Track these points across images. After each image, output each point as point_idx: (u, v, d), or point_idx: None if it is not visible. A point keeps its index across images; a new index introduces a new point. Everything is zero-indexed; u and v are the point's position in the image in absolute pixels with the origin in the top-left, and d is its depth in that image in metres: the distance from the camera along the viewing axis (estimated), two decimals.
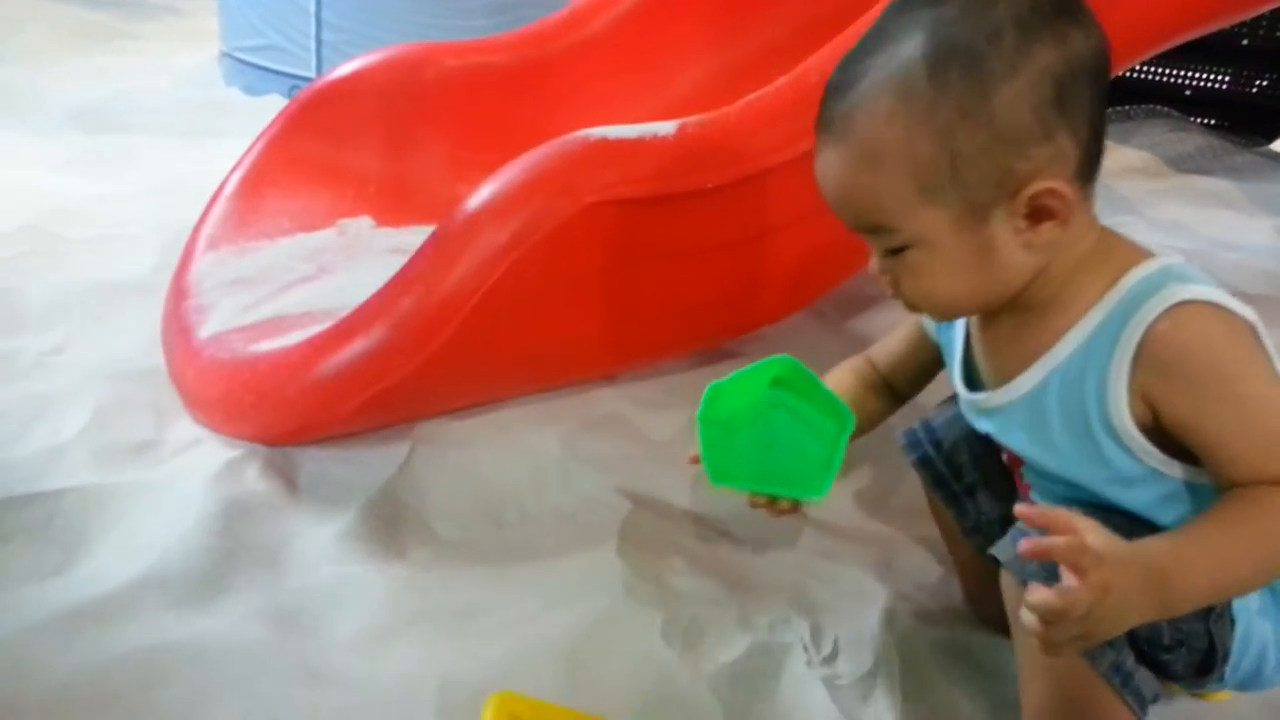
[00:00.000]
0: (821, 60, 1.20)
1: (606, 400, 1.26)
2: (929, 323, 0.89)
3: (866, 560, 1.06)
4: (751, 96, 1.18)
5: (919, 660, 0.92)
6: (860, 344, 1.50)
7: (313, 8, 2.14)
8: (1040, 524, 0.64)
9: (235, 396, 1.07)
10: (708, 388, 0.89)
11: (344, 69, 1.52)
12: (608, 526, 1.06)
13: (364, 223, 1.46)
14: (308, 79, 2.15)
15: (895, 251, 0.73)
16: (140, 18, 3.14)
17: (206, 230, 1.36)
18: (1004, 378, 0.77)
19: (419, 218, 1.49)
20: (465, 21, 2.10)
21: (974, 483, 0.90)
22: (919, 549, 1.08)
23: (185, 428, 1.14)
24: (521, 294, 1.06)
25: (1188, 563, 0.65)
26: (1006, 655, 0.91)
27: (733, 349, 1.40)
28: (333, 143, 1.49)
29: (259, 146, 1.46)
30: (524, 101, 1.57)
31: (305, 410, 1.04)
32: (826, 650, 0.93)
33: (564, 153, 1.07)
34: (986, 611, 0.96)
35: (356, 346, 1.01)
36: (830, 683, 0.89)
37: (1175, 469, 0.71)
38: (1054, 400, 0.74)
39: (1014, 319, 0.75)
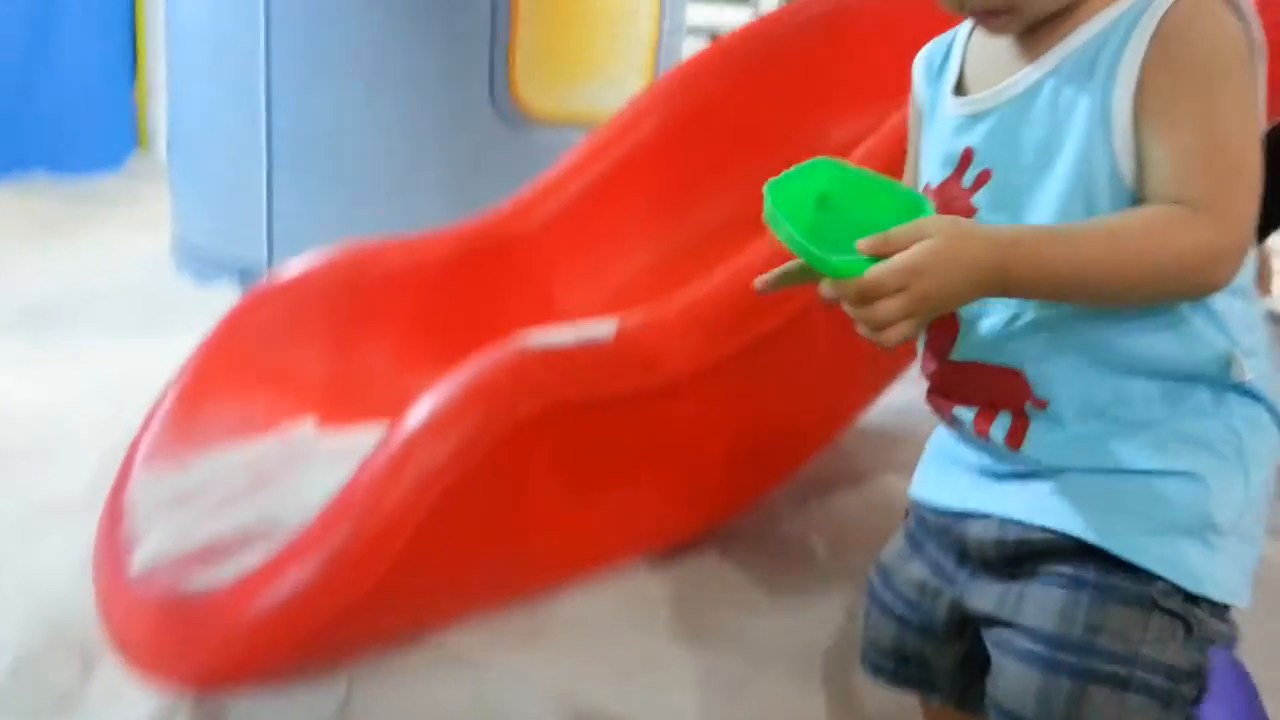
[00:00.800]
0: (755, 257, 1.20)
1: (558, 614, 1.21)
2: (918, 98, 0.83)
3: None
4: (689, 292, 1.18)
5: None
6: (825, 531, 1.49)
7: (264, 194, 2.16)
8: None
9: (163, 639, 1.01)
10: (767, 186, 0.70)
11: (286, 270, 1.52)
12: None
13: (307, 425, 1.43)
14: (260, 265, 2.16)
15: None
16: (94, 205, 3.17)
17: (144, 446, 1.32)
18: (998, 82, 0.73)
19: (366, 414, 1.46)
20: (417, 203, 2.13)
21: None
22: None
23: (110, 674, 1.07)
24: (462, 515, 1.02)
25: (1042, 239, 0.65)
26: None
27: (691, 547, 1.36)
28: (275, 345, 1.46)
29: (199, 355, 1.43)
30: (470, 293, 1.56)
31: (236, 654, 0.98)
32: None
33: (499, 365, 1.05)
34: None
35: (288, 584, 0.96)
36: None
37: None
38: (1046, 100, 0.70)
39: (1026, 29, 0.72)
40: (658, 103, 1.71)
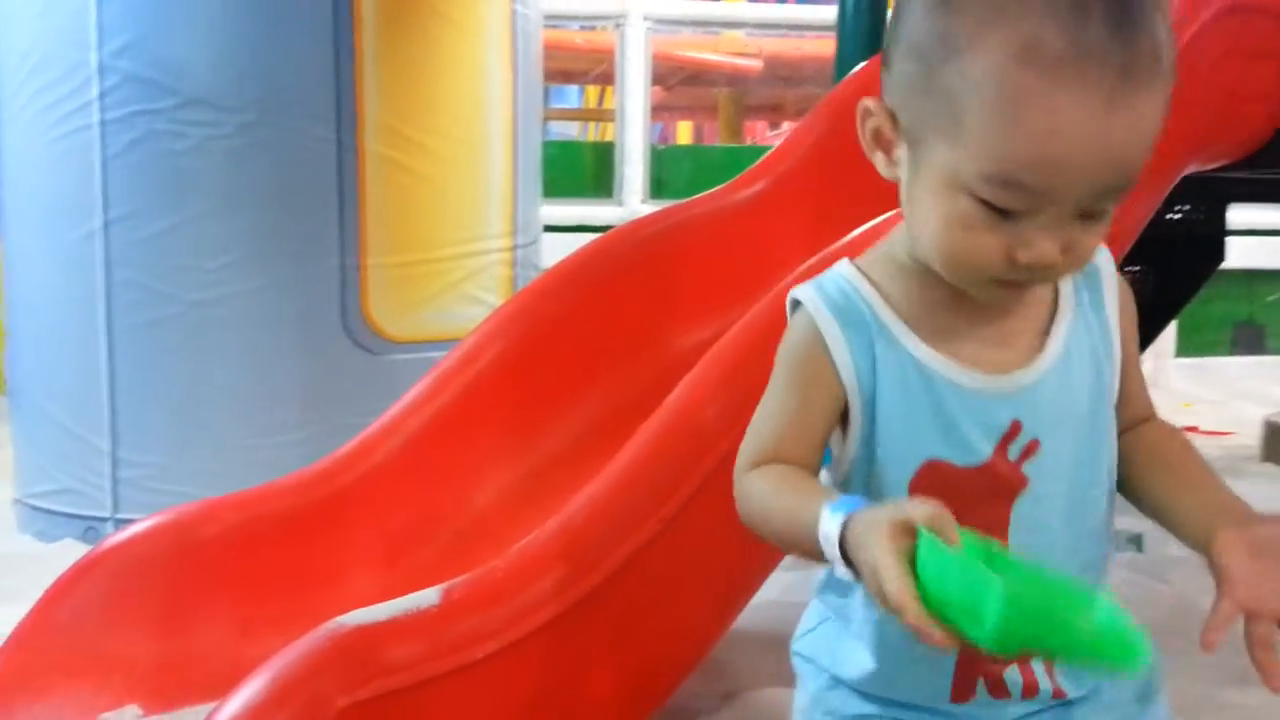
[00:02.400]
0: (590, 497, 1.18)
1: None
2: (850, 370, 0.76)
3: None
4: (520, 544, 1.14)
5: None
6: None
7: (108, 446, 2.07)
8: None
9: None
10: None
11: (109, 541, 1.44)
12: None
13: (129, 715, 1.32)
14: (104, 520, 2.05)
15: (1092, 216, 0.69)
16: None
17: None
18: (1012, 352, 0.76)
19: (198, 696, 1.35)
20: (275, 438, 2.07)
21: None
22: None
23: None
24: None
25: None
26: None
27: None
28: (96, 625, 1.37)
29: (10, 645, 1.33)
30: (313, 547, 1.50)
31: None
32: None
33: (312, 652, 0.99)
34: None
35: None
36: None
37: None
38: (1075, 359, 0.77)
39: (961, 300, 0.74)
40: (502, 328, 1.72)
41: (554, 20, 4.52)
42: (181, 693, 1.36)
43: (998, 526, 0.75)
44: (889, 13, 2.48)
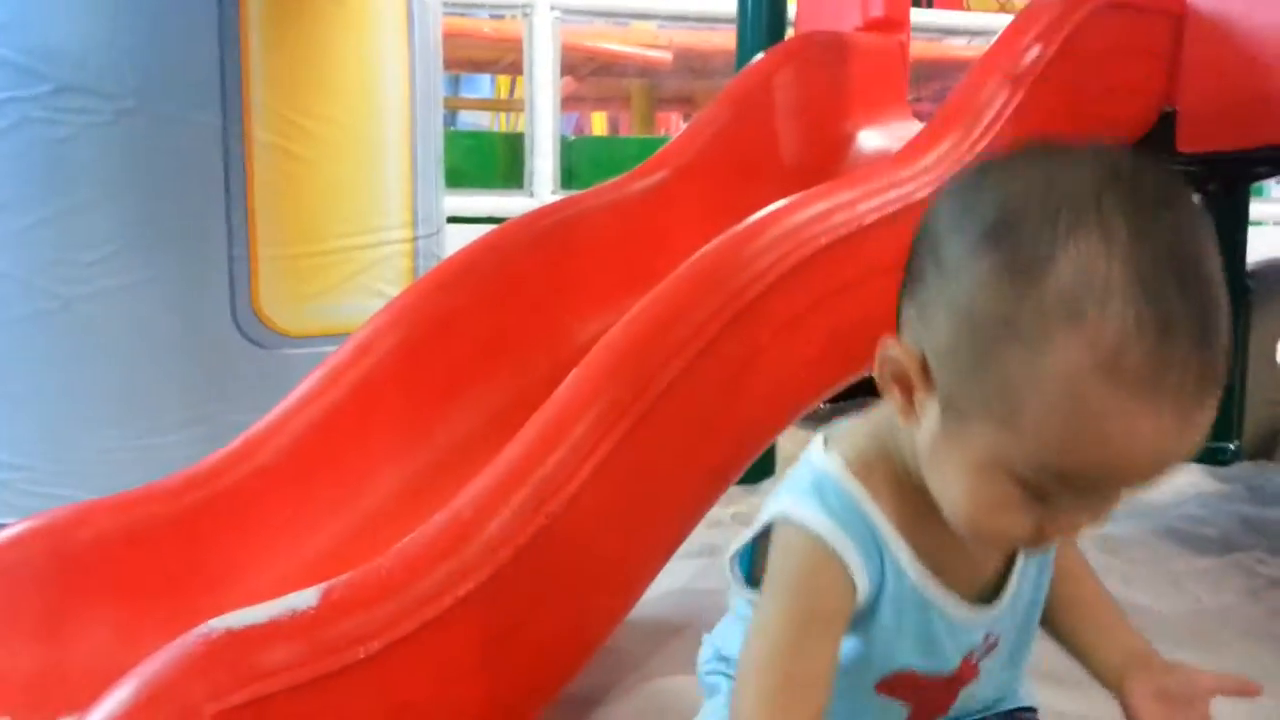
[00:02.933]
0: (476, 490, 1.17)
1: None
2: (862, 587, 0.76)
3: None
4: (404, 542, 1.12)
5: None
6: None
7: None
8: None
9: None
10: None
11: None
12: None
13: None
14: None
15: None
16: None
17: None
18: (982, 577, 0.79)
19: (79, 705, 1.29)
20: (159, 439, 2.00)
21: None
22: None
23: None
24: None
25: None
26: None
27: None
28: None
29: None
30: (198, 549, 1.45)
31: None
32: None
33: (177, 659, 0.95)
34: None
35: None
36: None
37: None
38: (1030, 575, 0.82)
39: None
40: (395, 321, 1.69)
41: (460, 8, 4.46)
42: (60, 703, 1.30)
43: (945, 703, 0.83)
44: (789, 3, 2.50)
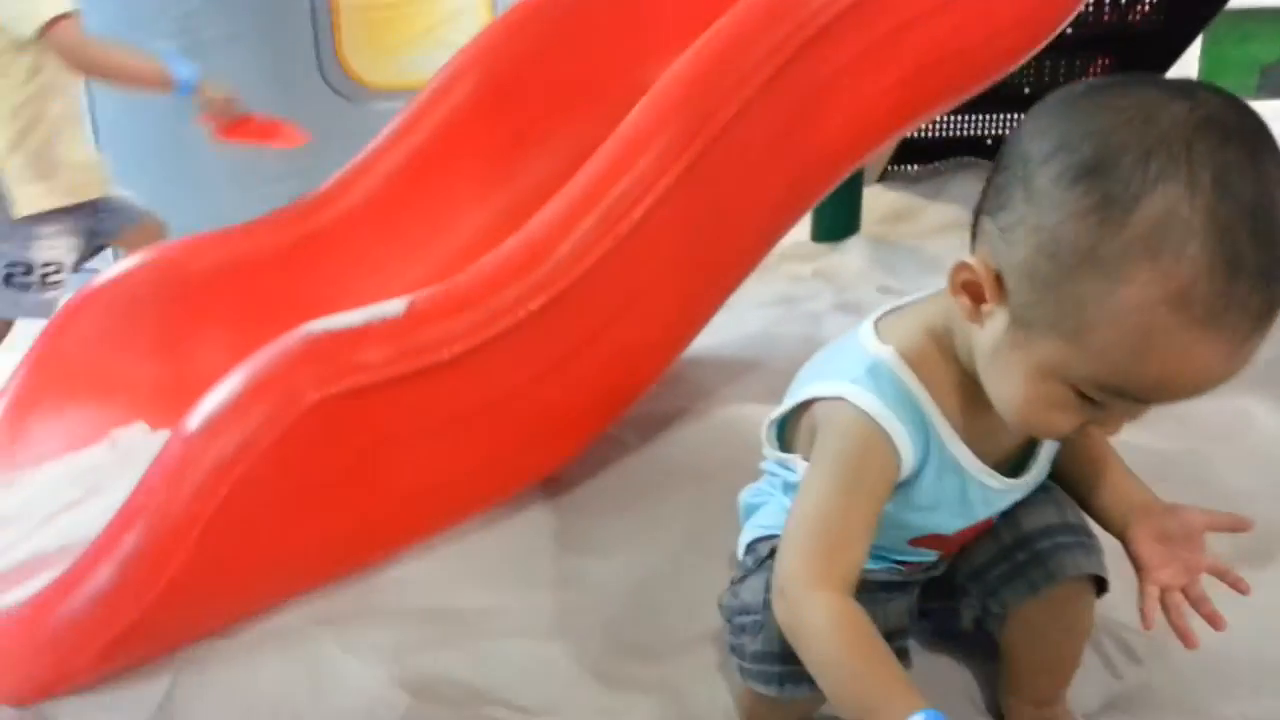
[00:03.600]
0: (549, 214, 1.22)
1: (388, 581, 1.24)
2: (907, 466, 0.84)
3: (653, 713, 1.04)
4: (481, 261, 1.19)
5: None
6: (667, 465, 1.53)
7: None
8: None
9: None
10: None
11: (107, 273, 1.50)
12: None
13: (137, 430, 1.43)
14: None
15: None
16: None
17: None
18: (1008, 456, 0.87)
19: None
20: (259, 183, 2.10)
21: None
22: (711, 689, 1.07)
23: None
24: (258, 505, 1.04)
25: None
26: None
27: (527, 496, 1.40)
28: (99, 351, 1.46)
29: (22, 369, 1.42)
30: (299, 280, 1.56)
31: (43, 668, 0.99)
32: None
33: (283, 353, 1.06)
34: None
35: (84, 594, 0.98)
36: None
37: None
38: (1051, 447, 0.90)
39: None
40: (471, 65, 1.71)
41: None
42: (183, 410, 1.46)
43: (967, 539, 0.94)
44: None
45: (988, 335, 0.75)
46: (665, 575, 1.26)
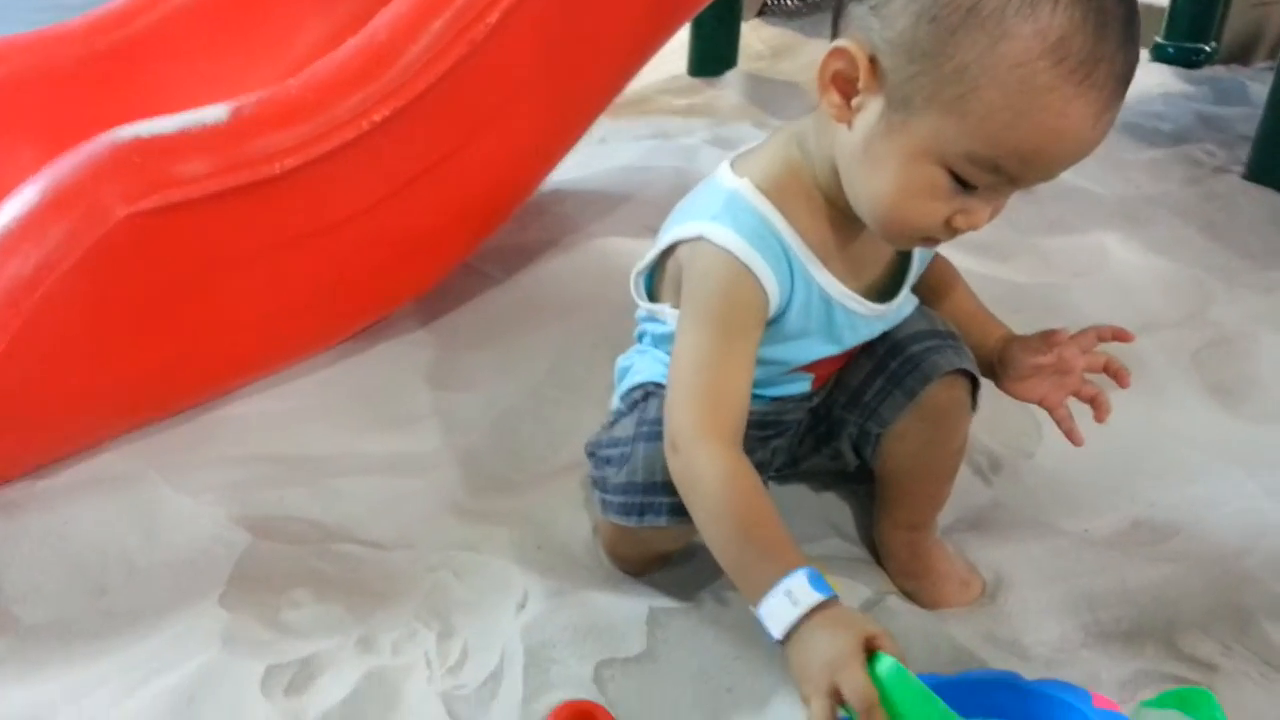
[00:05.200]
0: (395, 14, 1.10)
1: (229, 418, 1.16)
2: (774, 299, 0.82)
3: (512, 544, 1.01)
4: (315, 65, 1.07)
5: (547, 647, 0.87)
6: (532, 298, 1.47)
7: None
8: None
9: None
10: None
11: None
12: (220, 568, 0.96)
13: None
14: None
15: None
16: None
17: None
18: (875, 285, 0.87)
19: None
20: None
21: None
22: (572, 519, 1.04)
23: None
24: (66, 331, 0.93)
25: None
26: (639, 627, 0.89)
27: (390, 328, 1.32)
28: None
29: None
30: (115, 92, 1.39)
31: None
32: (452, 659, 0.87)
33: (86, 162, 0.93)
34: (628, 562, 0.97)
35: None
36: (451, 695, 0.84)
37: None
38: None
39: (856, 228, 0.81)
40: None
41: None
42: None
43: (840, 364, 0.93)
44: None
45: (858, 130, 0.74)
46: (527, 409, 1.22)
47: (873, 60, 0.71)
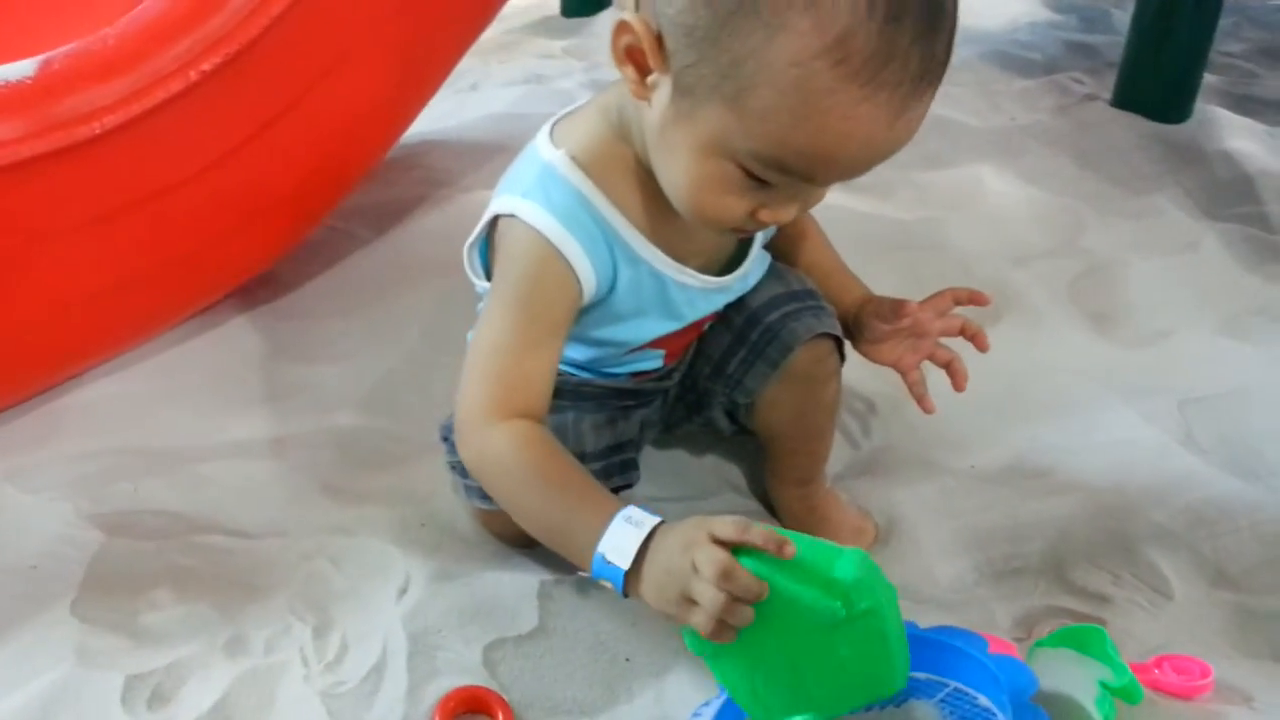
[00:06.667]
0: None
1: (74, 404, 1.06)
2: (588, 282, 0.76)
3: (392, 524, 0.95)
4: (135, 10, 0.96)
5: (431, 633, 0.83)
6: (404, 259, 1.39)
7: None
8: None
9: None
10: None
11: None
12: (71, 572, 0.88)
13: None
14: None
15: None
16: None
17: None
18: (718, 254, 0.82)
19: None
20: None
21: None
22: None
23: None
24: None
25: None
26: (530, 602, 0.85)
27: (244, 301, 1.23)
28: None
29: None
30: None
31: None
32: (331, 654, 0.82)
33: None
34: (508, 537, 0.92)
35: None
36: (330, 694, 0.78)
37: None
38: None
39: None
40: None
41: None
42: None
43: (692, 338, 0.90)
44: None
45: (655, 111, 0.67)
46: (403, 377, 1.16)
47: (660, 39, 0.64)
